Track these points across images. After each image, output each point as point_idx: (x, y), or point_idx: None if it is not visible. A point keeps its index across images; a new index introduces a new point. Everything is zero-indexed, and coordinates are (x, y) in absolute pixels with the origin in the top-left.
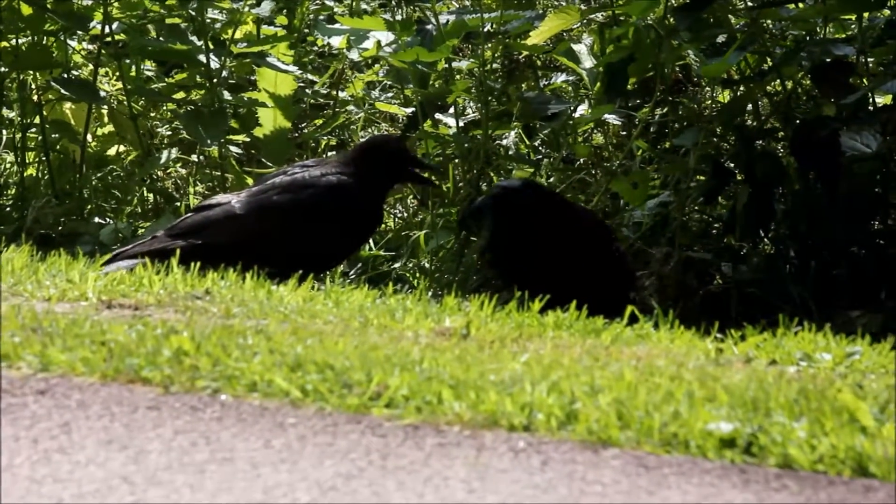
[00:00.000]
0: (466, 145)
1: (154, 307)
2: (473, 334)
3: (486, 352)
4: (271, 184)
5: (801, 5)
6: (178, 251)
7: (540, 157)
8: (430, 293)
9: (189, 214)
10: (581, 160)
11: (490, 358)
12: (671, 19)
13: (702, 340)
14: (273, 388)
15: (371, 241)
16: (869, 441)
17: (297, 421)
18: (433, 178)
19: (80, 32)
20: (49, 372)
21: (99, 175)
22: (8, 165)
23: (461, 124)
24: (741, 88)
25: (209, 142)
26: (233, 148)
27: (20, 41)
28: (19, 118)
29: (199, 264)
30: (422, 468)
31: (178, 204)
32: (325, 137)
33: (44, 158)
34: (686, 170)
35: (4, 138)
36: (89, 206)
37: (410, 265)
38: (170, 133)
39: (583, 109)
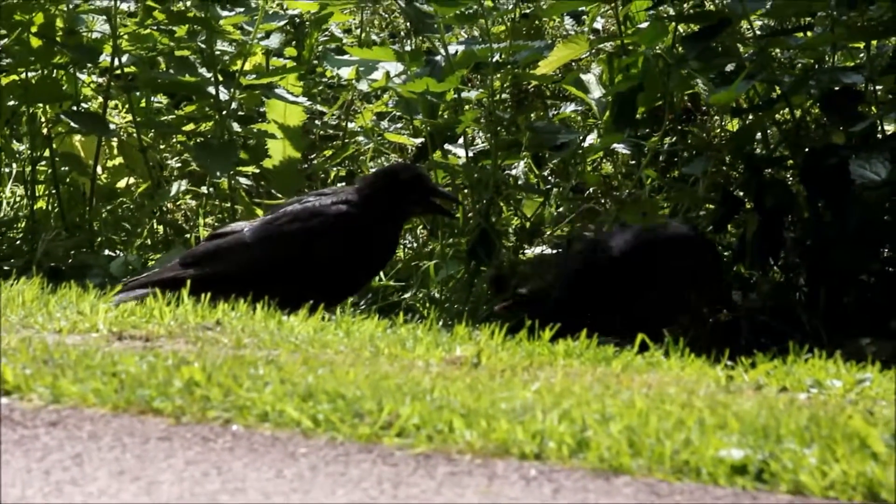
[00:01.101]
0: (476, 175)
1: (165, 338)
2: (484, 363)
3: (497, 380)
4: (283, 212)
5: (809, 34)
6: (188, 281)
7: (549, 186)
8: (440, 323)
9: (202, 243)
10: (590, 189)
11: (501, 386)
12: (680, 48)
13: (712, 368)
14: (284, 417)
15: (382, 271)
16: (880, 467)
17: (309, 450)
18: (451, 207)
19: (89, 65)
20: (60, 403)
21: (109, 207)
22: (18, 198)
23: (470, 154)
24: (750, 117)
25: (219, 173)
26: (242, 179)
27: (30, 74)
28: (29, 151)
29: (209, 294)
30: (434, 497)
31: (188, 236)
32: (335, 168)
33: (54, 191)
34: (695, 199)
35: (14, 171)
36: (99, 239)
37: (420, 295)
38: (179, 165)
39: (592, 139)
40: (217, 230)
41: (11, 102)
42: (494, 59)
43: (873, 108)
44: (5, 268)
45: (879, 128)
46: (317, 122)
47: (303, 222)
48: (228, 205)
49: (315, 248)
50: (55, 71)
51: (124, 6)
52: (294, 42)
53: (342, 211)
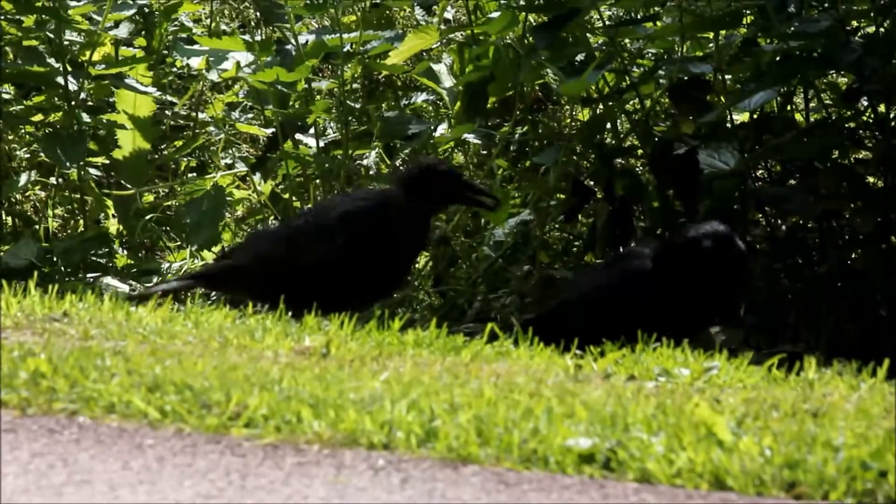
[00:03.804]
0: (327, 165)
1: (11, 329)
2: (333, 353)
3: (346, 370)
4: (308, 209)
5: (658, 24)
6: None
7: None
8: (289, 313)
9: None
10: None
11: (350, 376)
12: (530, 38)
13: (561, 357)
14: (131, 409)
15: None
16: (726, 455)
17: (156, 442)
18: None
19: None
20: None
21: None
22: None
23: (322, 144)
24: (600, 107)
25: (68, 164)
26: (92, 170)
27: None
28: None
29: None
30: (281, 487)
31: (38, 227)
32: (185, 159)
33: None
34: (546, 188)
35: None
36: None
37: None
38: (28, 156)
39: (443, 129)
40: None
41: None
42: (345, 49)
43: (722, 98)
44: None
45: (728, 117)
46: (167, 112)
47: (319, 219)
48: (78, 196)
49: (331, 245)
50: None
51: None
52: (144, 32)
53: (360, 208)
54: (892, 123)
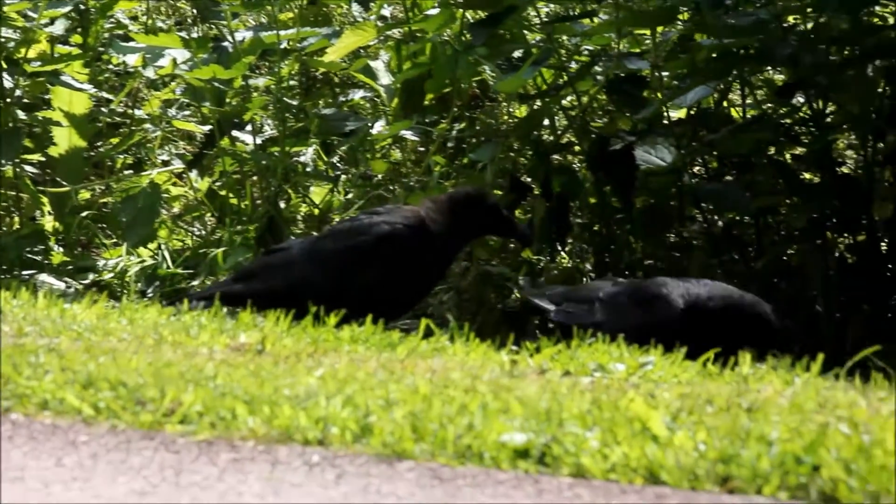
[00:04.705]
0: (264, 162)
1: None
2: (268, 350)
3: (281, 367)
4: (330, 229)
5: (595, 21)
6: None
7: (338, 173)
8: (225, 310)
9: (259, 257)
10: (379, 176)
11: (285, 373)
12: (467, 35)
13: (497, 353)
14: (65, 406)
15: (168, 258)
16: (660, 450)
17: (90, 438)
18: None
19: None
20: None
21: None
22: None
23: (259, 141)
24: (538, 103)
25: (3, 161)
26: (27, 167)
27: None
28: None
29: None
30: (216, 484)
31: None
32: (122, 156)
33: None
34: (483, 184)
35: None
36: None
37: (208, 282)
38: None
39: (381, 126)
40: (274, 246)
41: None
42: (282, 46)
43: (658, 94)
44: None
45: (665, 114)
46: (103, 109)
47: (345, 240)
48: (14, 193)
49: (354, 266)
50: None
51: None
52: (79, 29)
53: (385, 232)
54: (828, 119)
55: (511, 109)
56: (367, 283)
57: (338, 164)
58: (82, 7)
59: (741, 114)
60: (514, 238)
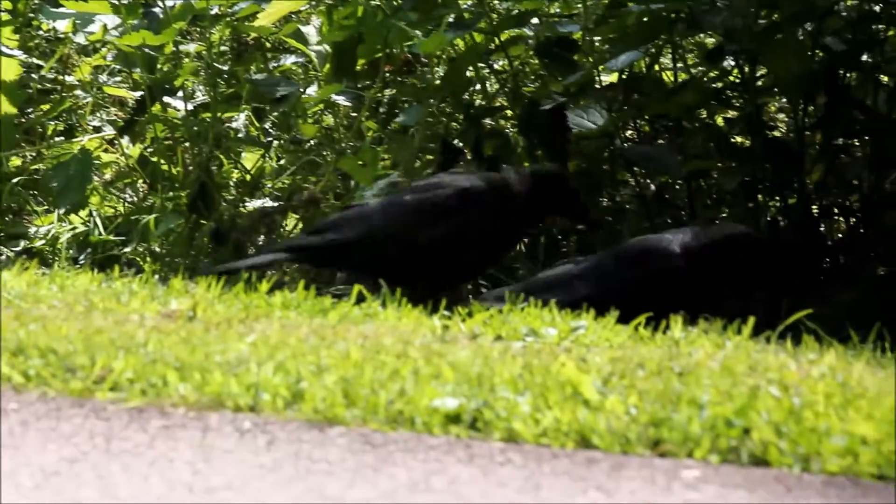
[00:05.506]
0: (196, 128)
1: None
2: (200, 316)
3: (213, 333)
4: (412, 185)
5: None
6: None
7: (270, 139)
8: (157, 276)
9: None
10: (311, 141)
11: (216, 339)
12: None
13: (429, 318)
14: None
15: (100, 224)
16: (592, 414)
17: (20, 406)
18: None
19: None
20: None
21: None
22: None
23: (190, 107)
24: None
25: None
26: None
27: None
28: None
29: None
30: (146, 451)
31: None
32: (53, 122)
33: None
34: (412, 149)
35: None
36: None
37: (141, 249)
38: None
39: (312, 91)
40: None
41: None
42: (213, 12)
43: (590, 58)
44: None
45: (597, 77)
46: (34, 75)
47: (421, 193)
48: None
49: (429, 219)
50: None
51: None
52: None
53: (463, 187)
54: (758, 83)
55: (442, 74)
56: (440, 236)
57: (270, 130)
58: None
59: (673, 77)
60: (583, 224)
